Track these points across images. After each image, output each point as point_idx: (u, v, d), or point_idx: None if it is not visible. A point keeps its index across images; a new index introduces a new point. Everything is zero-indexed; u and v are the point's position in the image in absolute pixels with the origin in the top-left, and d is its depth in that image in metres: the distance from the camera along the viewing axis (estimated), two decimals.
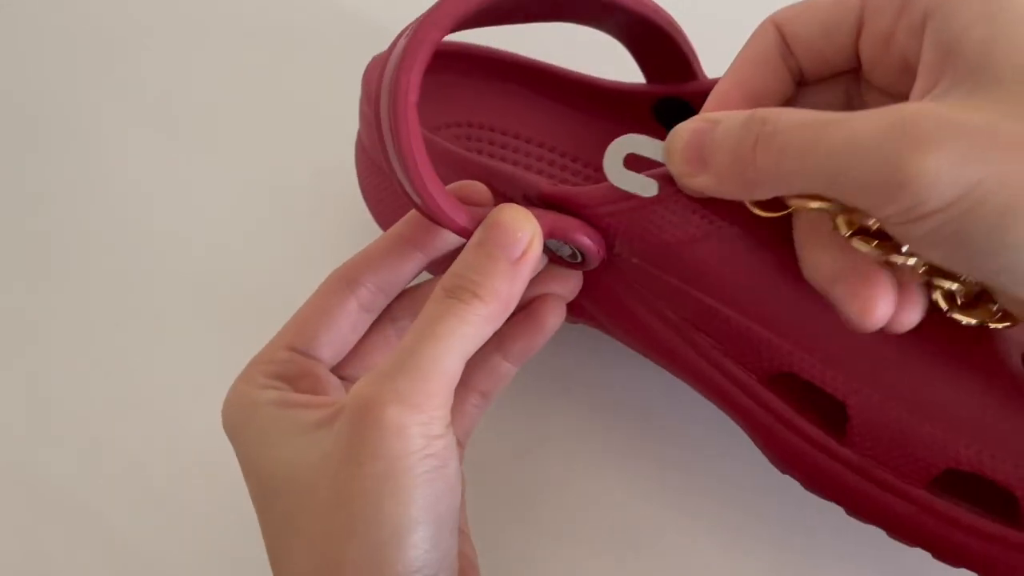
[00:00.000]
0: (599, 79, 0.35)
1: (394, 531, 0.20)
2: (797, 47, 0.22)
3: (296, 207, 0.39)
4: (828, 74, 0.22)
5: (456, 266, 0.23)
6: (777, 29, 0.22)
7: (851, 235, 0.21)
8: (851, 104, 0.23)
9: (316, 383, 0.24)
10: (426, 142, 0.30)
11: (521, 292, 0.23)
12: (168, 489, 0.34)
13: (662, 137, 0.24)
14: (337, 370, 0.26)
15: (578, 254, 0.26)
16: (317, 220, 0.39)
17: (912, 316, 0.21)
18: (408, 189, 0.24)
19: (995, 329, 0.24)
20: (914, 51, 0.20)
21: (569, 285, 0.27)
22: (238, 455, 0.24)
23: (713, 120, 0.21)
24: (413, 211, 0.26)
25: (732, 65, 0.23)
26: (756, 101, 0.22)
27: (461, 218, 0.24)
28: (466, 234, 0.24)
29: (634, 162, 0.24)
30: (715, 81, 0.33)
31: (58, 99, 0.44)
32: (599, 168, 0.36)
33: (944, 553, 0.25)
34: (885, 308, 0.20)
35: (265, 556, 0.23)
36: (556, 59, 0.35)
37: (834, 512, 0.27)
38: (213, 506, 0.33)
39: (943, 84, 0.18)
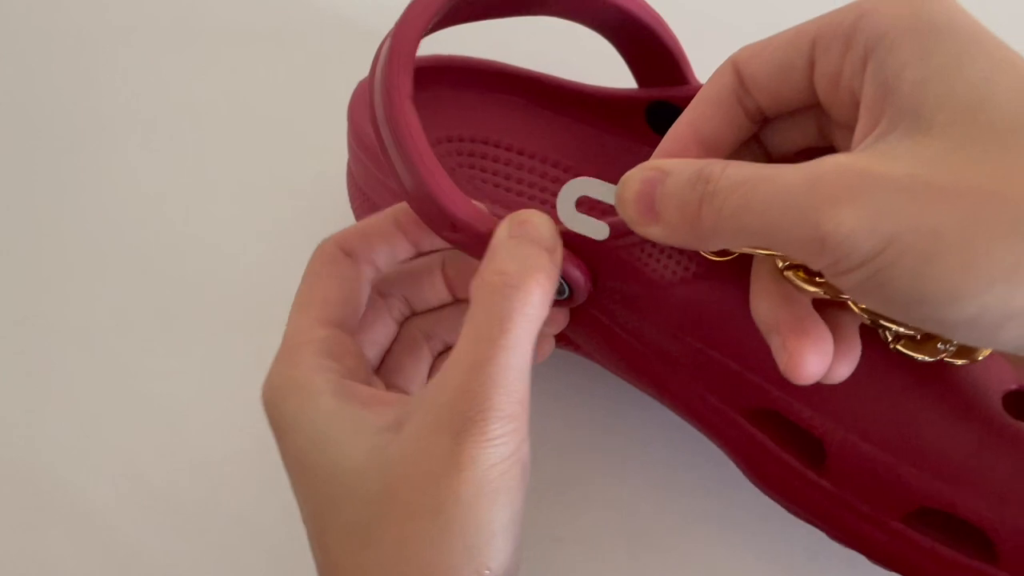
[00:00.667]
0: (590, 86, 0.34)
1: (490, 535, 0.20)
2: (754, 88, 0.22)
3: (298, 209, 0.39)
4: (791, 110, 0.22)
5: (496, 263, 0.22)
6: (735, 70, 0.22)
7: (788, 271, 0.21)
8: (823, 136, 0.23)
9: (360, 364, 0.24)
10: None
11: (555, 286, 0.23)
12: (168, 489, 0.34)
13: (655, 143, 0.24)
14: None
15: (566, 288, 0.26)
16: (319, 221, 0.38)
17: (845, 370, 0.21)
18: (418, 194, 0.23)
19: (975, 370, 0.24)
20: (859, 89, 0.20)
21: (556, 322, 0.27)
22: (287, 448, 0.23)
23: (663, 171, 0.21)
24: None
25: (690, 105, 0.23)
26: (709, 144, 0.22)
27: (462, 212, 0.23)
28: (479, 238, 0.24)
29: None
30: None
31: (61, 100, 0.44)
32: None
33: None
34: (815, 364, 0.20)
35: (266, 556, 0.22)
36: (546, 67, 0.35)
37: None
38: (214, 506, 0.33)
39: (882, 125, 0.18)
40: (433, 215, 0.25)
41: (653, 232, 0.21)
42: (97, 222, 0.40)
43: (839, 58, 0.20)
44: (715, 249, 0.22)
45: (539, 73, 0.34)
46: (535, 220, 0.23)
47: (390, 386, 0.26)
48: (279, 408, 0.22)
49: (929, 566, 0.25)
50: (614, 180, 0.25)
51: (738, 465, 0.28)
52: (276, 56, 0.44)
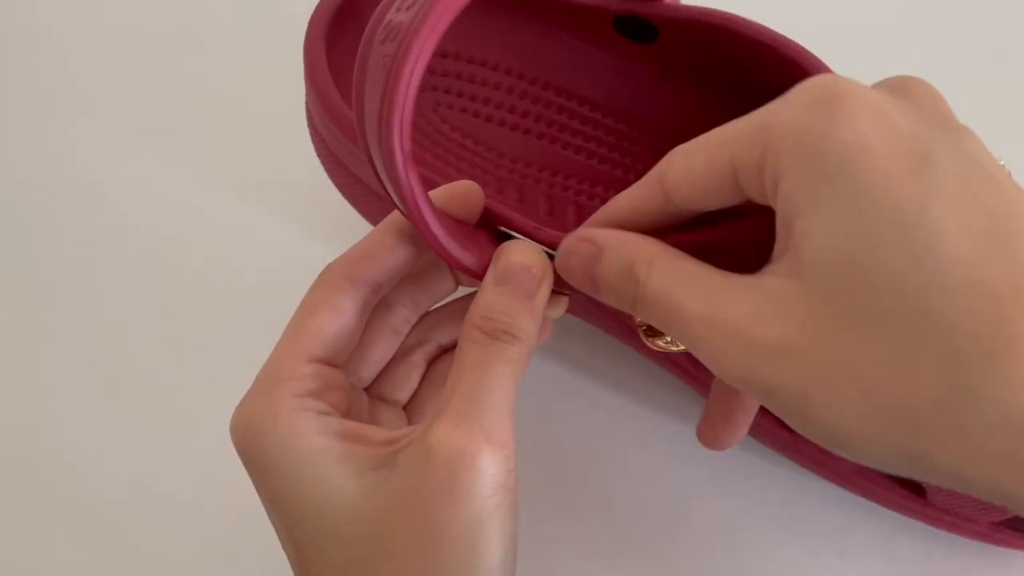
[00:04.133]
0: None
1: (489, 568, 0.20)
2: (684, 205, 0.21)
3: (294, 205, 0.38)
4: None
5: (484, 307, 0.22)
6: (663, 191, 0.21)
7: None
8: None
9: (347, 399, 0.24)
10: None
11: (540, 321, 0.24)
12: (168, 489, 0.34)
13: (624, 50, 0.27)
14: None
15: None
16: (315, 217, 0.38)
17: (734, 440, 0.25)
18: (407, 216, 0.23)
19: None
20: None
21: (556, 308, 0.27)
22: (267, 490, 0.22)
23: (598, 247, 0.22)
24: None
25: (614, 207, 0.23)
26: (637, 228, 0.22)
27: (467, 259, 0.23)
28: (473, 272, 0.24)
29: None
30: (681, 7, 0.31)
31: (53, 100, 0.43)
32: (565, 94, 0.34)
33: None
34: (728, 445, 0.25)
35: (269, 557, 0.24)
36: None
37: (836, 512, 0.31)
38: (214, 507, 0.33)
39: (783, 257, 0.19)
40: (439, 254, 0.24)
41: (601, 298, 0.22)
42: (97, 220, 0.39)
43: (759, 186, 0.19)
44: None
45: None
46: (517, 262, 0.23)
47: (377, 396, 0.26)
48: (257, 446, 0.22)
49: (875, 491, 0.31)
50: (584, 90, 0.29)
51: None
52: (275, 54, 0.40)
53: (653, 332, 0.26)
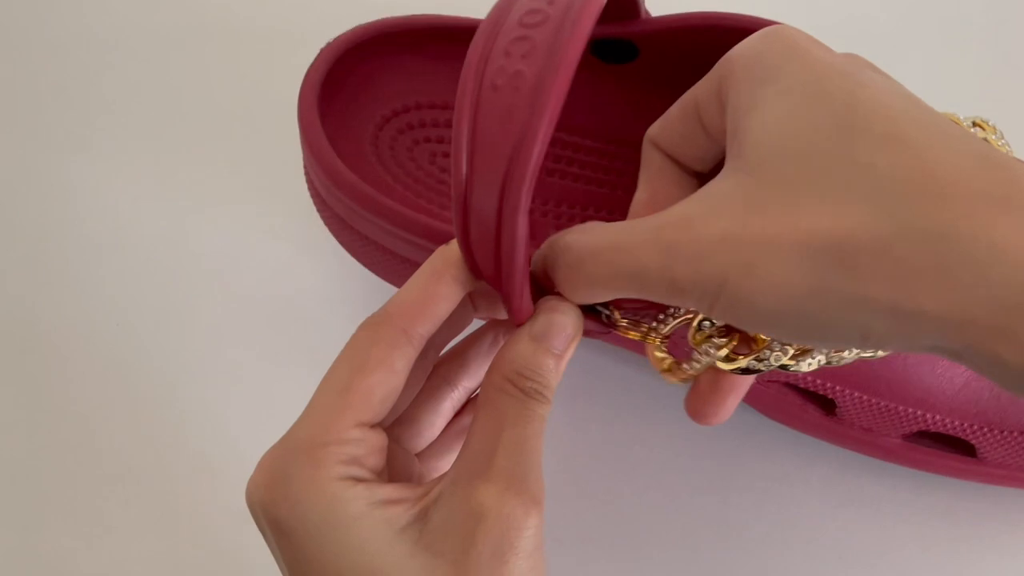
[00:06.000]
0: None
1: None
2: (677, 156, 0.23)
3: (292, 209, 0.38)
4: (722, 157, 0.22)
5: (520, 363, 0.22)
6: (656, 147, 0.23)
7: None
8: None
9: (382, 456, 0.23)
10: None
11: None
12: (168, 489, 0.34)
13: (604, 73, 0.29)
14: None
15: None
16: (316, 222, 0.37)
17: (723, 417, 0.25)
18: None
19: None
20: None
21: None
22: (298, 556, 0.21)
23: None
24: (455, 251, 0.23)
25: (639, 179, 0.24)
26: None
27: (523, 311, 0.23)
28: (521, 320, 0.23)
29: None
30: (657, 19, 0.31)
31: (60, 100, 0.43)
32: (556, 127, 0.34)
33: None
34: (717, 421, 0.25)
35: (270, 559, 0.23)
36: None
37: (838, 508, 0.31)
38: (215, 507, 0.33)
39: (727, 163, 0.20)
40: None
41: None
42: (96, 221, 0.39)
43: (717, 116, 0.21)
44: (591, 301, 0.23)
45: (479, 20, 0.32)
46: (558, 322, 0.23)
47: (400, 439, 0.26)
48: (295, 511, 0.21)
49: (925, 465, 0.31)
50: (574, 119, 0.32)
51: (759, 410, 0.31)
52: (280, 56, 0.41)
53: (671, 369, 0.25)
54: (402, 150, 0.33)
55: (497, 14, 0.22)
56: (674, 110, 0.23)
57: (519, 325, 0.23)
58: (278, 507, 0.21)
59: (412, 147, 0.33)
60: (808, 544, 0.32)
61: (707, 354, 0.23)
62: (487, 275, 0.22)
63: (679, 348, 0.24)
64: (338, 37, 0.32)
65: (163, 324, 0.36)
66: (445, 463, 0.26)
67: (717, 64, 0.21)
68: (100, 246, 0.39)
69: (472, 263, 0.22)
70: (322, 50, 0.31)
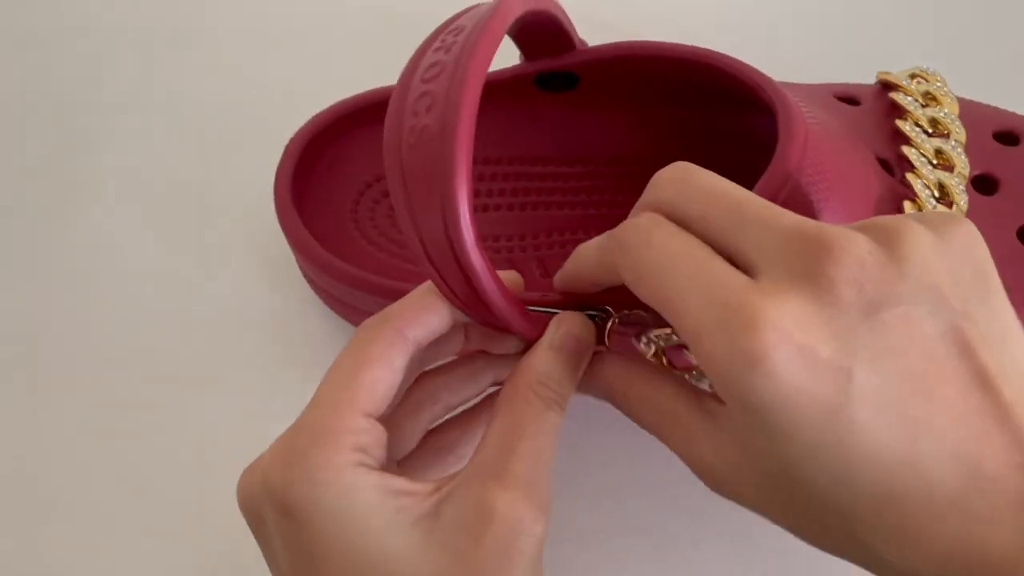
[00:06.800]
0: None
1: None
2: None
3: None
4: None
5: (542, 372, 0.24)
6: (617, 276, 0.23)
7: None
8: None
9: (385, 451, 0.24)
10: None
11: None
12: (168, 488, 0.34)
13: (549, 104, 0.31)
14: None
15: None
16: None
17: None
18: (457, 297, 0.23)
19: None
20: None
21: None
22: (312, 541, 0.22)
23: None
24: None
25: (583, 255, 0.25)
26: None
27: (526, 328, 0.24)
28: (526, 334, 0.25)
29: None
30: (592, 49, 0.33)
31: (62, 101, 0.44)
32: (518, 161, 0.36)
33: None
34: None
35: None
36: None
37: None
38: (215, 506, 0.32)
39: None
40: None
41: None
42: (98, 229, 0.40)
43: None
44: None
45: None
46: (576, 333, 0.24)
47: None
48: (310, 496, 0.21)
49: None
50: (532, 151, 0.33)
51: None
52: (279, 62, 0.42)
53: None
54: (382, 218, 0.35)
55: (405, 78, 0.22)
56: (600, 268, 0.24)
57: (532, 340, 0.24)
58: (294, 487, 0.21)
59: (389, 213, 0.34)
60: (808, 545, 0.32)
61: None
62: (476, 314, 0.23)
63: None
64: (299, 130, 0.33)
65: (163, 323, 0.37)
66: (418, 477, 0.26)
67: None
68: (99, 245, 0.39)
69: (460, 305, 0.23)
70: (287, 147, 0.33)
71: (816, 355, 0.19)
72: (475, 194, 0.36)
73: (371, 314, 0.32)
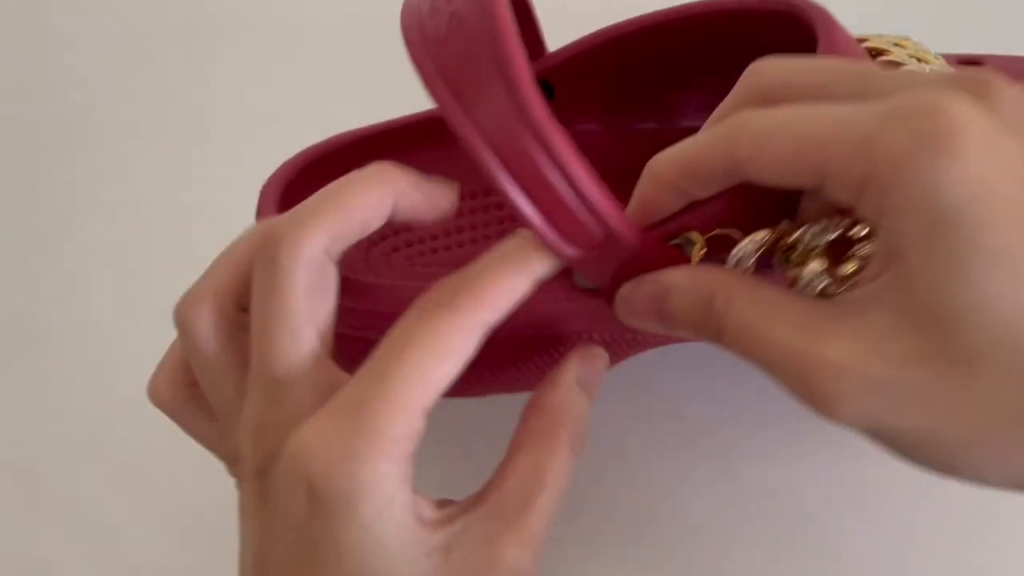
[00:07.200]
0: None
1: None
2: (756, 176, 0.20)
3: None
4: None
5: (577, 414, 0.24)
6: (731, 161, 0.20)
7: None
8: None
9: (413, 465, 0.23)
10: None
11: None
12: (168, 488, 0.34)
13: None
14: None
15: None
16: None
17: None
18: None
19: None
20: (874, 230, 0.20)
21: None
22: (340, 538, 0.21)
23: (664, 288, 0.22)
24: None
25: (683, 148, 0.22)
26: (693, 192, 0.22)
27: (623, 223, 0.21)
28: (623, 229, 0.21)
29: None
30: (560, 50, 0.32)
31: (63, 101, 0.45)
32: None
33: None
34: None
35: None
36: (401, 109, 0.32)
37: (840, 509, 0.31)
38: (215, 506, 0.31)
39: (884, 279, 0.19)
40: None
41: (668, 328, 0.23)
42: (99, 219, 0.41)
43: (852, 198, 0.19)
44: None
45: (405, 118, 0.32)
46: (600, 372, 0.25)
47: None
48: (352, 500, 0.20)
49: None
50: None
51: None
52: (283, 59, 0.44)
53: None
54: (379, 269, 0.32)
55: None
56: (786, 152, 0.19)
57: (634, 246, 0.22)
58: (334, 481, 0.20)
59: (393, 266, 0.32)
60: (809, 546, 0.31)
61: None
62: (561, 217, 0.20)
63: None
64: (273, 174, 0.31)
65: (163, 322, 0.34)
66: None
67: (859, 137, 0.18)
68: (100, 246, 0.40)
69: (539, 214, 0.21)
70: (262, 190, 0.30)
71: (1010, 159, 0.17)
72: (459, 230, 0.34)
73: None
